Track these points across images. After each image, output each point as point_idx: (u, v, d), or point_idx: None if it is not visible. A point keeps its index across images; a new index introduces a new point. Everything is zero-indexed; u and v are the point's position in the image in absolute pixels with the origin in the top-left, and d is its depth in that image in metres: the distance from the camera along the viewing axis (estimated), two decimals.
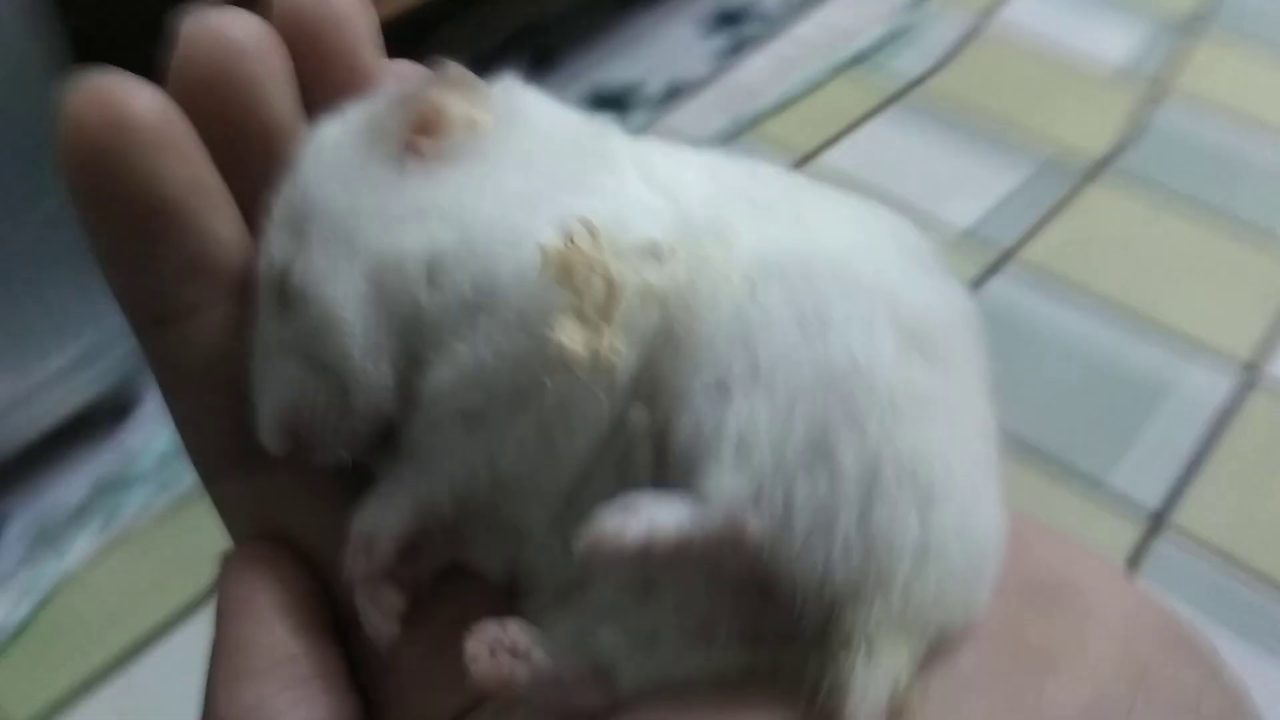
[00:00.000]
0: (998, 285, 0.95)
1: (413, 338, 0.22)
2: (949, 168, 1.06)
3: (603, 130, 0.24)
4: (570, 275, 0.20)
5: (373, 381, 0.22)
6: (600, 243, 0.21)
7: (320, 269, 0.22)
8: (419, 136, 0.23)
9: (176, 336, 0.23)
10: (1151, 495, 0.81)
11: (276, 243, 0.23)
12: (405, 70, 0.25)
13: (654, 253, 0.21)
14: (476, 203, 0.22)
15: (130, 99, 0.21)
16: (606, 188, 0.22)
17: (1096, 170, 1.06)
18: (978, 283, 0.95)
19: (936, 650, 0.20)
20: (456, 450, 0.22)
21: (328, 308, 0.22)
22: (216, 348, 0.23)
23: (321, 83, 0.23)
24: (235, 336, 0.23)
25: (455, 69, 0.23)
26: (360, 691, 0.22)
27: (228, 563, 0.23)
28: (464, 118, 0.23)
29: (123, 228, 0.21)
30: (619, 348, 0.20)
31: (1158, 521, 0.79)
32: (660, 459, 0.21)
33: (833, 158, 1.05)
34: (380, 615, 0.22)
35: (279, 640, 0.22)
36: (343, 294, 0.22)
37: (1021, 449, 0.79)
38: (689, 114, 1.09)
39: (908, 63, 1.17)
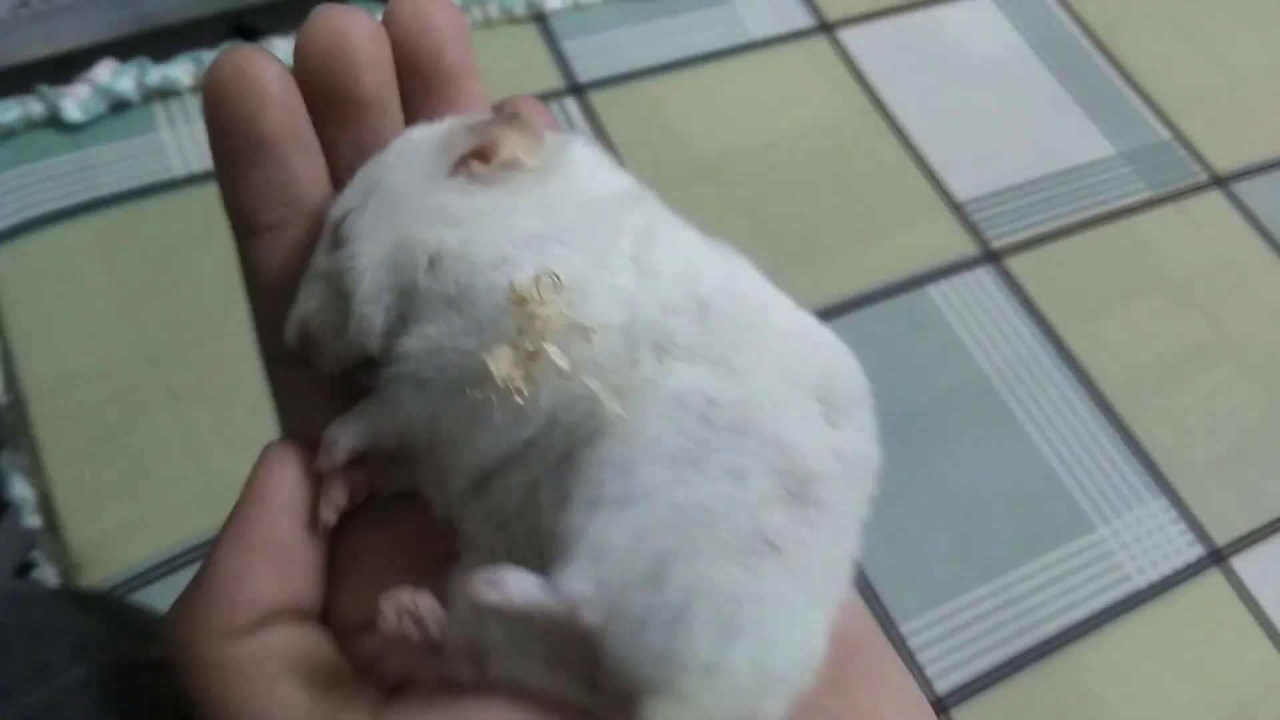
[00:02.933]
0: None
1: (404, 305, 0.27)
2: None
3: (634, 201, 0.28)
4: (520, 315, 0.25)
5: (366, 320, 0.27)
6: (558, 299, 0.25)
7: (363, 226, 0.28)
8: (474, 159, 0.28)
9: (257, 246, 0.29)
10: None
11: (349, 196, 0.28)
12: (521, 105, 0.31)
13: (582, 335, 0.25)
14: (486, 225, 0.27)
15: (257, 64, 0.28)
16: (594, 253, 0.26)
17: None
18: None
19: None
20: (406, 403, 0.27)
21: (356, 255, 0.27)
22: (284, 262, 0.29)
23: (420, 83, 0.30)
24: (298, 258, 0.29)
25: (527, 116, 0.28)
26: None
27: (265, 453, 0.28)
28: (510, 156, 0.28)
29: (231, 151, 0.28)
30: (523, 389, 0.25)
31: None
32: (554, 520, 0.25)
33: None
34: (324, 503, 0.28)
35: (278, 527, 0.27)
36: (368, 250, 0.27)
37: None
38: None
39: None
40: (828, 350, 0.28)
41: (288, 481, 0.27)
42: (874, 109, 0.74)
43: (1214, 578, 0.59)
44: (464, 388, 0.25)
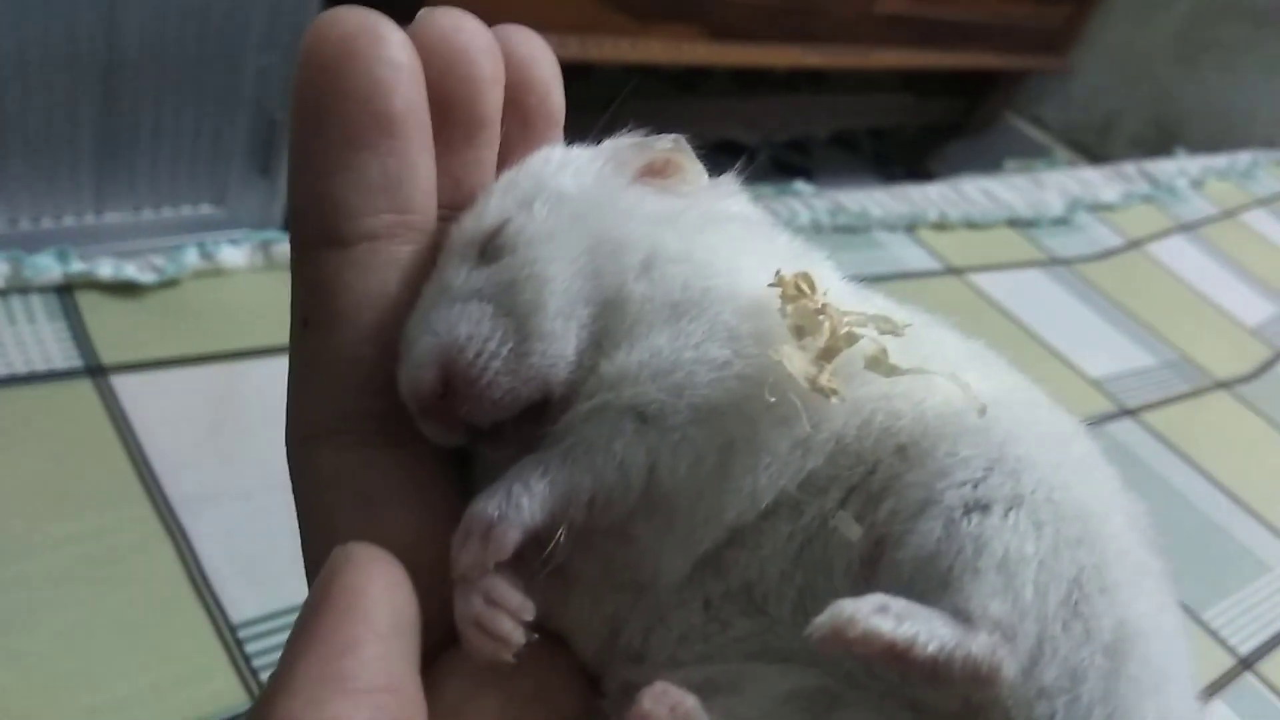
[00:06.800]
0: (1115, 428, 0.95)
1: (608, 318, 0.22)
2: (1087, 329, 1.09)
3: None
4: (800, 311, 0.20)
5: (557, 340, 0.22)
6: (819, 298, 0.20)
7: (540, 229, 0.22)
8: (647, 175, 0.25)
9: (345, 261, 0.22)
10: (1242, 643, 0.79)
11: (492, 207, 0.23)
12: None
13: (889, 324, 0.20)
14: (700, 229, 0.23)
15: (387, 26, 0.22)
16: (819, 274, 0.22)
17: (1219, 386, 1.09)
18: (1098, 421, 0.95)
19: None
20: (617, 445, 0.20)
21: (537, 260, 0.22)
22: (381, 285, 0.22)
23: (521, 121, 0.25)
24: (403, 281, 0.22)
25: (683, 140, 0.25)
26: None
27: (345, 557, 0.20)
28: (695, 173, 0.25)
29: (342, 128, 0.22)
30: (837, 388, 0.19)
31: (1244, 664, 0.78)
32: (870, 568, 0.20)
33: (985, 280, 1.08)
34: (499, 620, 0.19)
35: (384, 666, 0.19)
36: (556, 253, 0.22)
37: None
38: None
39: (1067, 244, 1.23)
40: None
41: (384, 598, 0.19)
42: None
43: None
44: (721, 407, 0.20)
